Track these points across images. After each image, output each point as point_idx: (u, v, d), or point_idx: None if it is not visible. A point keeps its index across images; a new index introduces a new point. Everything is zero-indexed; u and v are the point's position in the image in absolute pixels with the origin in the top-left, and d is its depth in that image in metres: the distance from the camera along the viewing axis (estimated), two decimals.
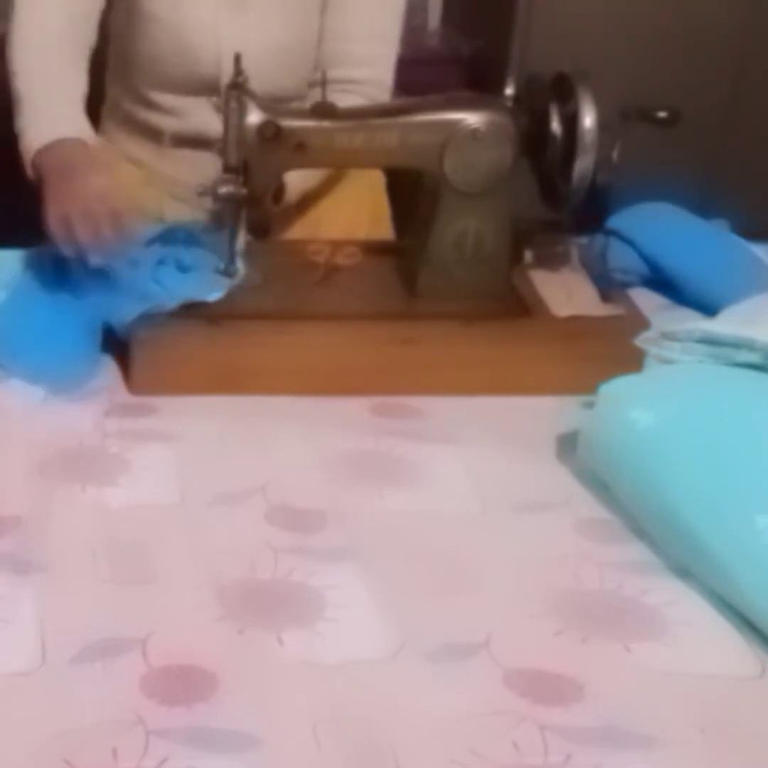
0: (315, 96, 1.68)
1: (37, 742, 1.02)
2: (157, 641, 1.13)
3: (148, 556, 1.26)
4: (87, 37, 1.85)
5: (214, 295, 1.62)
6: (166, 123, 1.95)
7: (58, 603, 1.19)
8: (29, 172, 1.71)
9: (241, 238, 1.67)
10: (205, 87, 1.87)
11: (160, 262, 1.66)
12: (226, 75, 1.64)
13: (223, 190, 1.62)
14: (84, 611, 1.18)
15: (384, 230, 2.09)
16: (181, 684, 1.09)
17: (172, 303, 1.59)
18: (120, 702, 1.06)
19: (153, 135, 1.98)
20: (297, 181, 1.88)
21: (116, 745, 1.01)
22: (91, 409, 1.54)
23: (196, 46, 1.87)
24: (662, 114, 1.77)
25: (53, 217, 1.60)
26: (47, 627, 1.15)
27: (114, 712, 1.05)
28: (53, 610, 1.17)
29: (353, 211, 2.05)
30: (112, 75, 2.01)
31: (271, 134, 1.62)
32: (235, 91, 1.61)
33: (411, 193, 1.78)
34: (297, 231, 2.01)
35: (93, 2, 1.86)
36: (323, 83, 1.65)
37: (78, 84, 1.80)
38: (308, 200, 2.01)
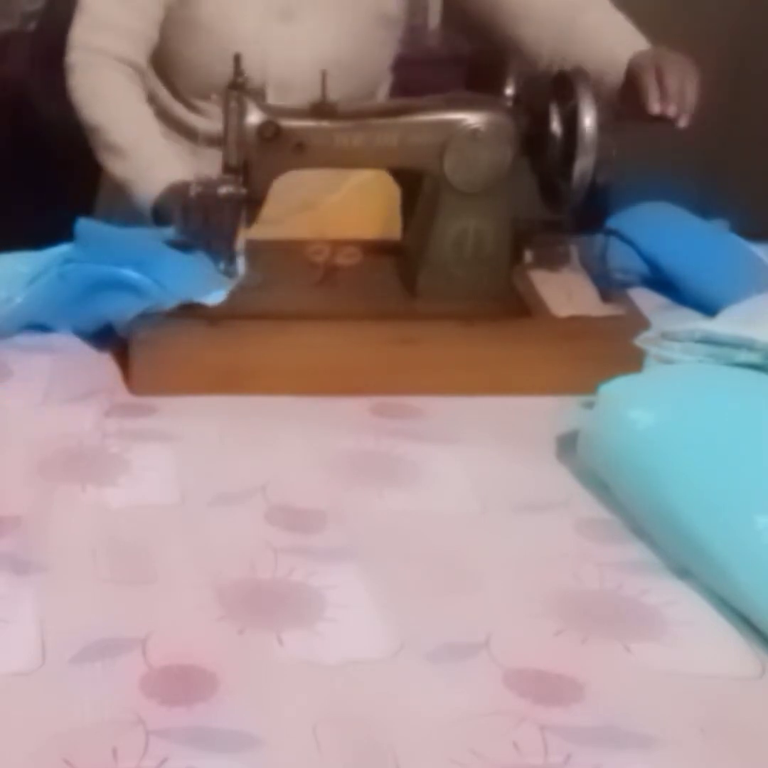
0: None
1: (37, 742, 1.01)
2: (157, 641, 1.13)
3: (148, 556, 1.26)
4: (147, 55, 1.93)
5: (214, 297, 1.62)
6: (203, 124, 1.97)
7: (58, 603, 1.18)
8: (149, 213, 1.79)
9: (241, 238, 1.67)
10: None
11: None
12: (271, 85, 1.65)
13: (223, 190, 1.62)
14: (84, 611, 1.17)
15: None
16: (181, 684, 1.08)
17: (171, 302, 1.59)
18: (120, 702, 1.06)
19: (187, 133, 2.00)
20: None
21: (116, 745, 1.01)
22: (91, 409, 1.54)
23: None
24: None
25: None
26: (47, 627, 1.15)
27: (114, 712, 1.05)
28: (53, 610, 1.17)
29: (364, 228, 2.05)
30: (153, 69, 2.01)
31: (271, 134, 1.62)
32: (235, 91, 1.61)
33: (411, 193, 1.78)
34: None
35: (152, 24, 1.91)
36: (323, 83, 1.65)
37: (153, 117, 1.92)
38: (318, 208, 2.01)
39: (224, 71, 1.88)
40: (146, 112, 1.92)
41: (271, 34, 1.90)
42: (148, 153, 1.84)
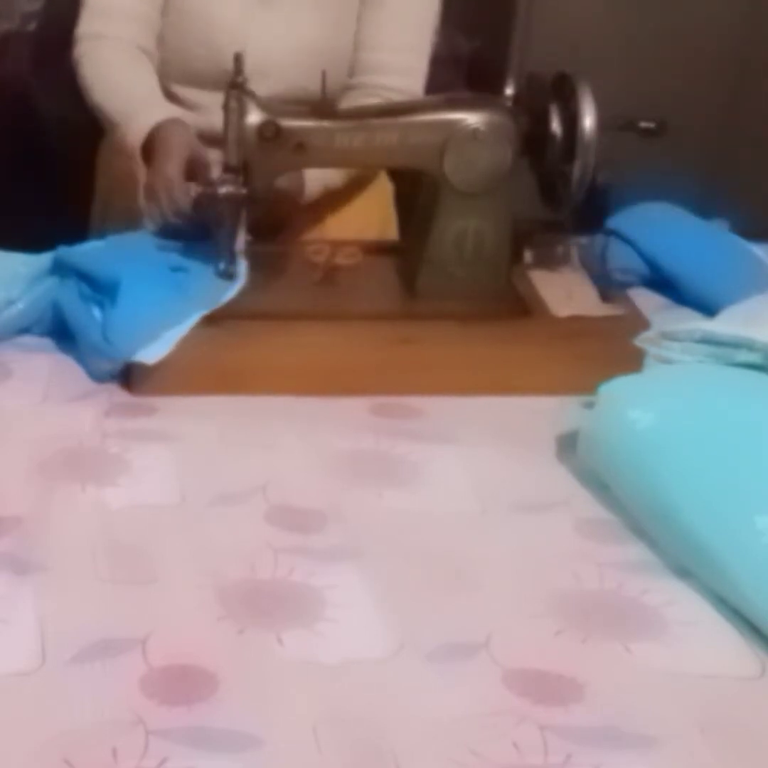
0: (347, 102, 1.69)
1: (37, 742, 1.01)
2: (157, 641, 1.13)
3: (148, 556, 1.26)
4: (153, 37, 1.94)
5: (155, 352, 1.55)
6: (188, 118, 1.96)
7: (58, 603, 1.18)
8: (139, 159, 1.80)
9: (241, 238, 1.67)
10: (227, 83, 1.87)
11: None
12: (250, 71, 1.64)
13: (223, 190, 1.62)
14: (84, 611, 1.18)
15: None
16: (181, 684, 1.08)
17: (117, 360, 1.57)
18: (120, 702, 1.06)
19: None
20: (316, 176, 1.88)
21: (116, 745, 1.01)
22: (91, 409, 1.54)
23: (222, 42, 1.87)
24: (647, 124, 1.72)
25: (145, 191, 1.78)
26: (47, 627, 1.15)
27: (114, 712, 1.05)
28: (53, 610, 1.17)
29: (361, 224, 2.05)
30: None
31: (271, 134, 1.62)
32: (235, 90, 1.61)
33: (411, 193, 1.78)
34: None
35: (154, 7, 1.92)
36: (323, 83, 1.65)
37: (154, 79, 1.92)
38: (317, 211, 2.01)
39: (205, 56, 1.88)
40: (150, 82, 1.90)
41: (251, 20, 1.90)
42: (135, 102, 1.83)
